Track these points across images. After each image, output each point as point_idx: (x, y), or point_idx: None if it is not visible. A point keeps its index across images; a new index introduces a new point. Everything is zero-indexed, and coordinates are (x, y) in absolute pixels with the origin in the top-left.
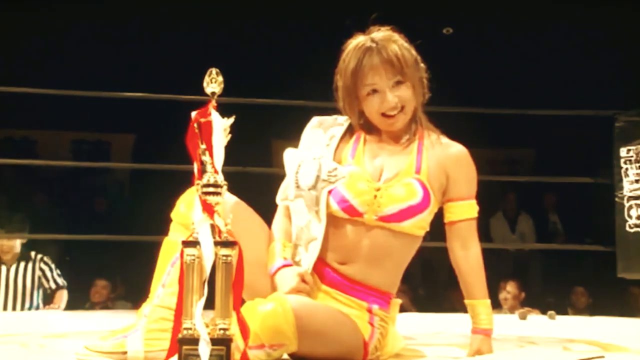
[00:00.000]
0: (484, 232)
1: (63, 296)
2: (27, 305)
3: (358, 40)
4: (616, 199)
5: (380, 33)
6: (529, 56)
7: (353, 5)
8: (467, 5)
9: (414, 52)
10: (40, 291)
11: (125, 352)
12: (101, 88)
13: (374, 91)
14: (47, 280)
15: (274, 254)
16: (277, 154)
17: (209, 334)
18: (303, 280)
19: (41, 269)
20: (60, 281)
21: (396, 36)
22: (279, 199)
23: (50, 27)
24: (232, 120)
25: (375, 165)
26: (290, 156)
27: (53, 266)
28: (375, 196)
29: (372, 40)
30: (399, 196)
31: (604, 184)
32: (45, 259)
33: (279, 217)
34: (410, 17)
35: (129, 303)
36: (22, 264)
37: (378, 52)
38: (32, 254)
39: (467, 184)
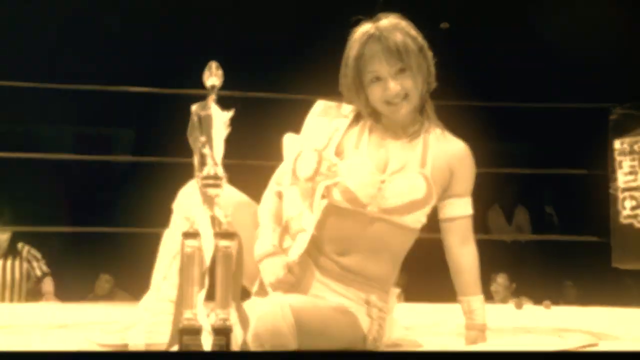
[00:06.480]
0: (481, 223)
1: (50, 282)
2: (15, 297)
3: (363, 28)
4: (610, 191)
5: (387, 20)
6: (523, 49)
7: None
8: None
9: (420, 40)
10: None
11: (126, 345)
12: (102, 82)
13: (377, 79)
14: (34, 269)
15: (261, 236)
16: (277, 147)
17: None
18: (290, 271)
19: (28, 260)
20: (45, 269)
21: (403, 23)
22: (273, 182)
23: (50, 19)
24: (232, 113)
25: (379, 156)
26: (290, 142)
27: (39, 256)
28: (380, 188)
29: (377, 28)
30: (403, 190)
31: (599, 175)
32: (32, 250)
33: (270, 198)
34: (408, 12)
35: (130, 295)
36: (10, 258)
37: (379, 40)
38: (19, 246)
39: (468, 182)
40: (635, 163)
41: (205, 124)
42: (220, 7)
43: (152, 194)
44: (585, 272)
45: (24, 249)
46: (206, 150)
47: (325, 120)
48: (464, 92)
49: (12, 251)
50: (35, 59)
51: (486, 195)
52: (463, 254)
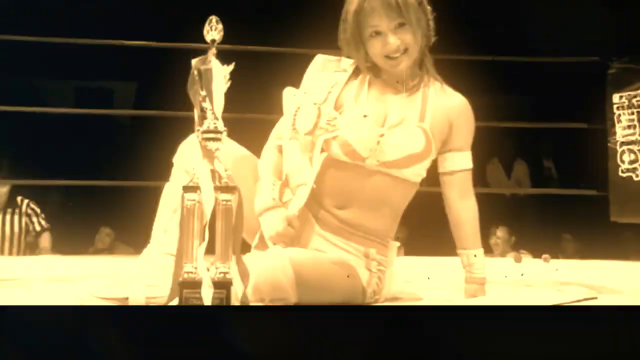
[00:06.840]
0: (480, 177)
1: (48, 238)
2: (14, 251)
3: None
4: (609, 144)
5: None
6: (523, 2)
7: None
8: None
9: None
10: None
11: (126, 298)
12: (103, 36)
13: (377, 33)
14: (33, 224)
15: (262, 190)
16: (277, 101)
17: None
18: (289, 225)
19: (28, 214)
20: (44, 224)
21: None
22: (273, 136)
23: None
24: (231, 67)
25: (379, 110)
26: (289, 96)
27: (39, 211)
28: (379, 142)
29: None
30: (402, 143)
31: (598, 129)
32: (32, 204)
33: (270, 152)
34: None
35: (131, 248)
36: (10, 211)
37: None
38: (19, 199)
39: (467, 136)
40: (634, 117)
41: (205, 78)
42: None
43: (152, 148)
44: (584, 226)
45: (24, 202)
46: (206, 104)
47: (325, 75)
48: (463, 46)
49: (11, 205)
50: (36, 12)
51: (485, 149)
52: (463, 207)
